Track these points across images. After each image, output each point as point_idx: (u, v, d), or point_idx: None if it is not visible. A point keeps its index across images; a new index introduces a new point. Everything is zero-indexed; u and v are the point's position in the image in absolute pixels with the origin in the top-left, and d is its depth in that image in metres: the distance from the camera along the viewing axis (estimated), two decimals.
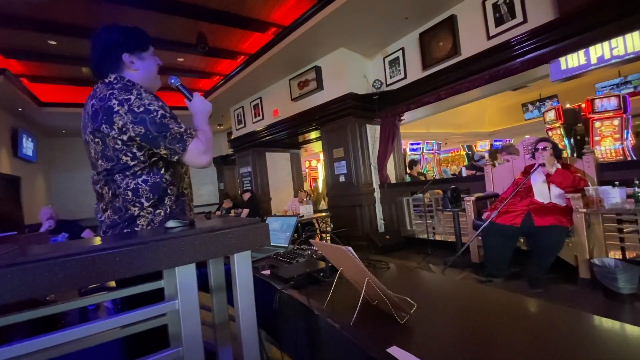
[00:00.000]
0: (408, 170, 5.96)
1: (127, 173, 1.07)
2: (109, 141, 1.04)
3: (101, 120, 1.02)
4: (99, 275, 0.72)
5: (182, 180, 1.22)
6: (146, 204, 1.09)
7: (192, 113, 1.20)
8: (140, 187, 1.08)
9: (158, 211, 1.12)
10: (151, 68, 1.19)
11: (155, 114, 1.03)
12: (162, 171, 1.12)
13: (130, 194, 1.08)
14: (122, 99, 1.01)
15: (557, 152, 2.85)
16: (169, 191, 1.14)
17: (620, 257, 2.73)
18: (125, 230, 1.10)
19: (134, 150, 1.05)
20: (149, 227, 1.10)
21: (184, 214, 1.20)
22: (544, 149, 2.81)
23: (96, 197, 1.17)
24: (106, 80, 1.10)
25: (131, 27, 1.16)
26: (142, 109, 1.01)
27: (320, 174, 10.98)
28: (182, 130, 1.06)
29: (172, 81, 1.23)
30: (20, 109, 6.17)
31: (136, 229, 1.09)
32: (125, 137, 1.02)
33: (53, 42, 4.48)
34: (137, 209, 1.09)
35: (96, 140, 1.05)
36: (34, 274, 0.64)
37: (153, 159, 1.09)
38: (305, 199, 5.71)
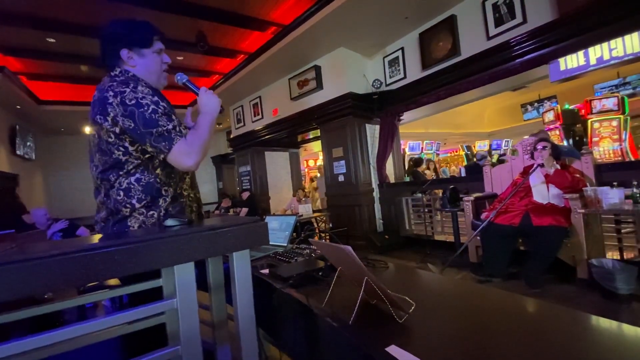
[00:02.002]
0: (414, 167, 5.97)
1: (121, 172, 1.04)
2: (103, 134, 1.02)
3: (97, 111, 1.01)
4: (97, 274, 0.72)
5: (182, 180, 1.18)
6: (137, 205, 1.06)
7: (199, 110, 1.15)
8: (132, 186, 1.05)
9: (151, 212, 1.08)
10: (152, 66, 1.14)
11: (145, 108, 0.99)
12: (157, 170, 1.09)
13: (122, 193, 1.05)
14: (118, 91, 1.00)
15: (556, 152, 2.85)
16: (162, 192, 1.10)
17: (618, 257, 2.74)
18: (114, 230, 1.07)
19: (126, 144, 1.03)
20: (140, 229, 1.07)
21: (184, 216, 1.15)
22: (543, 148, 2.81)
23: (94, 193, 1.15)
24: (112, 73, 1.09)
25: (136, 22, 1.13)
26: (133, 102, 0.99)
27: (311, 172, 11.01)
28: (170, 127, 1.01)
29: (179, 78, 1.19)
30: (18, 107, 6.14)
31: (125, 230, 1.06)
32: (117, 130, 1.01)
33: (52, 40, 4.46)
34: (127, 209, 1.05)
35: (93, 132, 1.05)
36: (31, 272, 0.64)
37: (146, 156, 1.06)
38: (303, 199, 5.71)
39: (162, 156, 1.04)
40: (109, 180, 1.06)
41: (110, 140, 1.02)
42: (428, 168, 6.91)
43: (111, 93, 1.00)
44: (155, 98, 1.03)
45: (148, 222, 1.08)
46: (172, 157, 1.02)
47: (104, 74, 1.13)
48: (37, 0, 3.62)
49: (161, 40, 1.17)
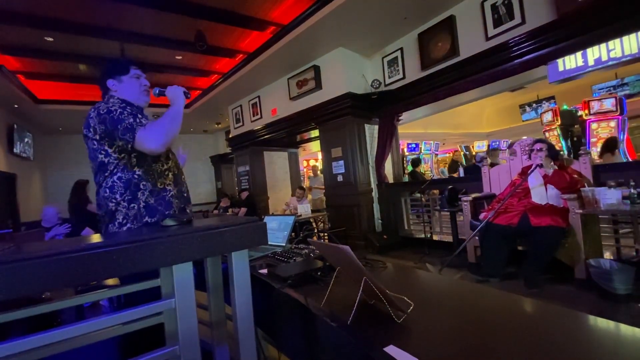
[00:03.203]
0: (413, 168, 5.96)
1: (106, 173, 1.23)
2: (90, 143, 1.24)
3: (84, 126, 1.24)
4: (95, 273, 0.72)
5: (162, 176, 1.32)
6: (119, 199, 1.23)
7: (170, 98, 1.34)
8: (115, 184, 1.23)
9: (132, 205, 1.23)
10: (131, 88, 1.37)
11: (114, 113, 1.20)
12: (135, 168, 1.26)
13: (107, 191, 1.23)
14: (96, 107, 1.24)
15: (553, 153, 2.86)
16: (141, 186, 1.25)
17: (616, 257, 2.76)
18: (109, 225, 1.24)
19: (106, 147, 1.22)
20: (125, 221, 1.23)
21: (168, 209, 1.30)
22: (540, 149, 2.83)
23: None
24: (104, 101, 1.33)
25: (117, 58, 1.52)
26: (104, 110, 1.21)
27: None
28: (132, 121, 1.19)
29: (157, 92, 1.40)
30: (16, 106, 6.11)
31: (116, 222, 1.23)
32: (97, 137, 1.21)
33: (50, 39, 4.44)
34: (113, 204, 1.23)
35: (86, 145, 1.26)
36: (29, 272, 0.64)
37: (123, 155, 1.23)
38: (300, 196, 5.70)
39: (129, 146, 1.19)
40: (99, 183, 1.26)
41: (94, 147, 1.23)
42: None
43: (92, 110, 1.24)
44: (123, 105, 1.27)
45: (130, 214, 1.23)
46: (137, 143, 1.19)
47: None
48: None
49: (140, 68, 1.42)
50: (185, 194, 1.42)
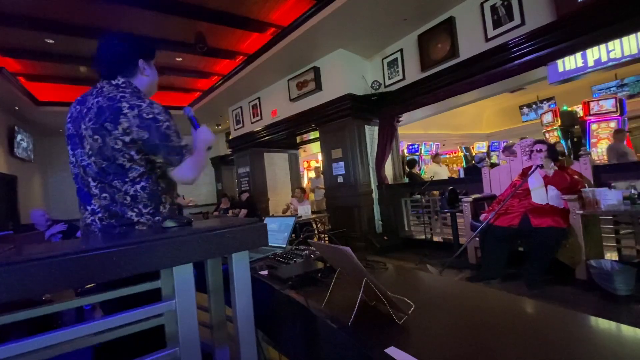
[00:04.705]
0: (409, 169, 6.00)
1: (127, 179, 1.10)
2: (109, 140, 1.06)
3: (106, 118, 1.05)
4: (95, 275, 0.71)
5: (175, 189, 1.29)
6: (144, 211, 1.14)
7: (194, 138, 1.27)
8: (139, 194, 1.12)
9: (157, 218, 1.16)
10: (156, 75, 1.29)
11: (161, 124, 1.09)
12: (159, 180, 1.18)
13: (128, 199, 1.11)
14: (134, 104, 1.07)
15: (553, 154, 2.86)
16: (162, 199, 1.19)
17: (617, 258, 2.75)
18: None
19: (132, 152, 1.08)
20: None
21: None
22: (540, 150, 2.83)
23: (81, 196, 1.17)
24: (114, 82, 1.15)
25: (143, 37, 1.28)
26: (151, 116, 1.07)
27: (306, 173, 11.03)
28: (182, 144, 1.13)
29: (187, 112, 1.32)
30: (16, 108, 6.13)
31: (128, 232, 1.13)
32: (127, 139, 1.06)
33: (50, 41, 4.45)
34: (134, 214, 1.12)
35: (95, 137, 1.07)
36: (29, 274, 0.64)
37: (149, 166, 1.13)
38: (299, 196, 5.70)
39: (170, 167, 1.14)
40: (114, 186, 1.10)
41: (117, 147, 1.06)
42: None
43: (126, 104, 1.06)
44: (168, 116, 1.14)
45: (155, 227, 1.15)
46: (180, 169, 1.14)
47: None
48: (36, 1, 3.61)
49: None
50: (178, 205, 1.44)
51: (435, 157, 7.23)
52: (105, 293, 0.81)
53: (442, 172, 6.59)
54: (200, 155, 1.22)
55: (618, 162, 4.16)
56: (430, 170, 6.79)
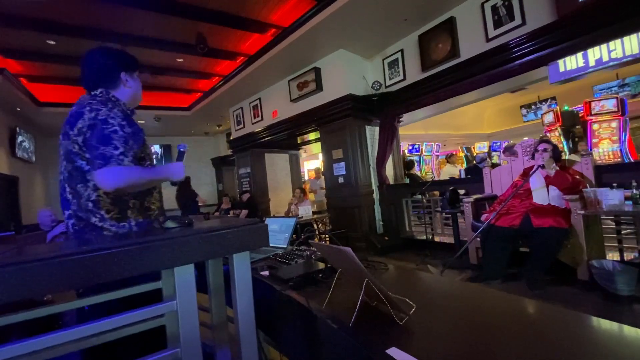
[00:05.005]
0: (407, 171, 5.99)
1: (88, 184, 1.09)
2: (69, 143, 1.09)
3: (69, 122, 1.10)
4: (97, 276, 0.72)
5: (149, 194, 1.23)
6: (107, 216, 1.10)
7: (167, 165, 1.25)
8: (101, 199, 1.09)
9: (122, 224, 1.12)
10: (139, 87, 1.31)
11: (109, 127, 1.06)
12: None
13: (90, 204, 1.09)
14: (95, 108, 1.09)
15: (556, 154, 2.86)
16: (130, 204, 1.15)
17: (619, 258, 2.74)
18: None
19: (87, 155, 1.07)
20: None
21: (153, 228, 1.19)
22: (544, 150, 2.81)
23: (61, 201, 1.17)
24: (92, 93, 1.19)
25: (124, 51, 1.30)
26: (102, 117, 1.07)
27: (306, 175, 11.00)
28: (117, 154, 1.04)
29: (180, 147, 1.37)
30: (18, 109, 6.14)
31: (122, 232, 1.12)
32: (80, 140, 1.07)
33: (52, 42, 4.47)
34: (97, 219, 1.09)
35: (63, 142, 1.12)
36: (31, 274, 0.64)
37: None
38: (299, 196, 5.70)
39: (88, 168, 1.07)
40: (78, 191, 1.10)
41: (74, 150, 1.08)
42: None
43: (88, 109, 1.09)
44: (124, 123, 1.10)
45: (121, 232, 1.12)
46: (100, 172, 1.02)
47: None
48: (37, 3, 3.62)
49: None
50: (163, 211, 1.34)
51: (450, 158, 7.19)
52: (106, 294, 0.81)
53: (456, 173, 6.56)
54: (148, 175, 1.14)
55: None
56: (446, 172, 6.77)
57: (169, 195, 9.16)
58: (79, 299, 0.83)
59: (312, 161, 11.52)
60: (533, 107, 9.56)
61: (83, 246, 0.80)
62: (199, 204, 5.85)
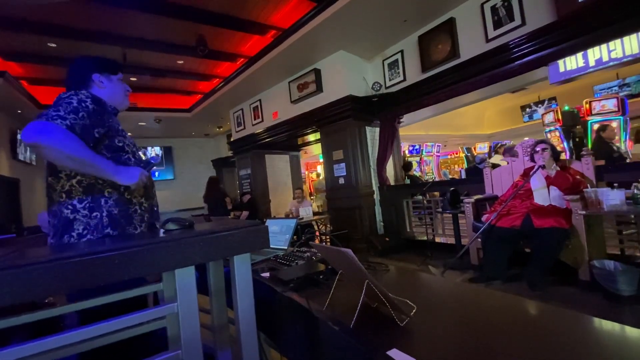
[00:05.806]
0: (406, 172, 5.98)
1: (61, 174, 1.08)
2: None
3: (42, 114, 1.04)
4: (98, 278, 0.72)
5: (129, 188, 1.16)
6: (79, 206, 1.07)
7: (127, 166, 1.16)
8: (74, 188, 1.08)
9: (95, 214, 1.08)
10: (117, 90, 1.30)
11: (64, 100, 1.05)
12: None
13: (64, 195, 1.08)
14: (64, 95, 1.08)
15: (555, 154, 2.86)
16: (105, 193, 1.11)
17: (620, 259, 2.74)
18: (64, 236, 1.06)
19: None
20: (86, 232, 1.06)
21: (130, 223, 1.15)
22: (543, 150, 2.82)
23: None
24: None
25: (102, 56, 1.31)
26: (65, 96, 1.07)
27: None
28: (53, 113, 0.99)
29: (152, 159, 1.33)
30: (19, 111, 6.16)
31: (75, 233, 1.06)
32: None
33: (53, 45, 4.48)
34: (69, 211, 1.07)
35: None
36: (32, 277, 0.64)
37: None
38: (300, 197, 5.70)
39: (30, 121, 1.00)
40: (51, 185, 1.09)
41: None
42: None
43: (57, 99, 1.09)
44: (87, 100, 1.07)
45: (92, 224, 1.08)
46: (29, 125, 0.95)
47: None
48: (38, 5, 3.64)
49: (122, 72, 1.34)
50: (155, 209, 1.31)
51: (500, 148, 7.03)
52: (107, 296, 0.81)
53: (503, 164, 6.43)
54: (87, 157, 1.00)
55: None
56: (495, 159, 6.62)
57: (169, 195, 9.20)
58: (74, 303, 0.83)
59: (312, 161, 11.53)
60: (533, 106, 9.56)
61: (84, 249, 0.80)
62: (228, 206, 5.77)
